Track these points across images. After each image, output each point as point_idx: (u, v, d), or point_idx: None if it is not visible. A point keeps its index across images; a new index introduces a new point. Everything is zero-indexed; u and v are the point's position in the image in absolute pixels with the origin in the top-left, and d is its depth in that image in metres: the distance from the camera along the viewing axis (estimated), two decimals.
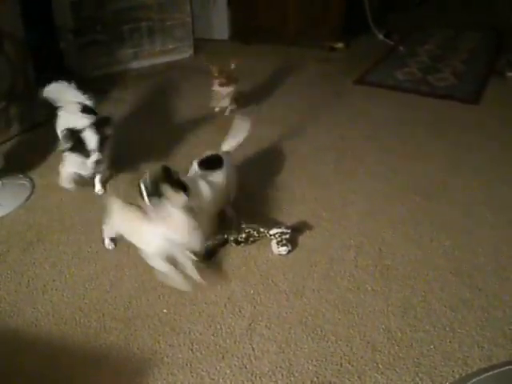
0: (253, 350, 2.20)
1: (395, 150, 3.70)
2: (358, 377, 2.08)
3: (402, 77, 5.08)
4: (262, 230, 2.73)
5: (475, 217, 3.00)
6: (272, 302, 2.43)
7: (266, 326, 2.31)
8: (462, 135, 3.93)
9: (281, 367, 2.12)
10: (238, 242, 2.74)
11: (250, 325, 2.31)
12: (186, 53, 5.70)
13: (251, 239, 2.74)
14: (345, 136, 3.91)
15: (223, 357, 2.17)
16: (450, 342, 2.21)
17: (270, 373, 2.10)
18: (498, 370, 1.35)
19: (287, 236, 2.70)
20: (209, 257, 2.67)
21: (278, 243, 2.68)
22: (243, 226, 2.76)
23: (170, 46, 5.61)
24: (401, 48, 5.93)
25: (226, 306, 2.42)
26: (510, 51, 5.42)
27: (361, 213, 3.02)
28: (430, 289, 2.49)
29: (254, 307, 2.40)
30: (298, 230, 2.83)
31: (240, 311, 2.39)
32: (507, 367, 1.36)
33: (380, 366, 2.12)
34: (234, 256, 2.71)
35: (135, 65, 5.36)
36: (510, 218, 2.98)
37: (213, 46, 5.92)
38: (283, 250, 2.67)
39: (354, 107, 4.42)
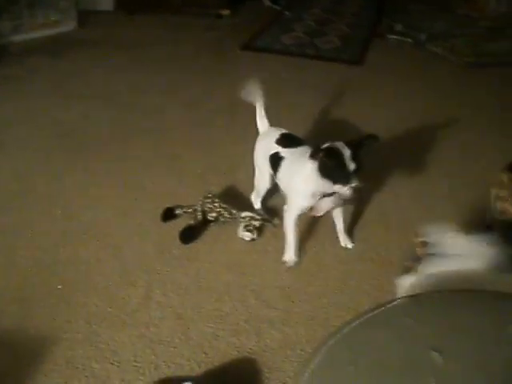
0: (150, 318, 2.21)
1: (281, 114, 3.75)
2: (255, 334, 2.15)
3: (289, 41, 5.15)
4: (233, 211, 2.66)
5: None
6: (167, 269, 2.45)
7: (162, 293, 2.33)
8: (348, 95, 4.05)
9: (179, 332, 2.15)
10: (206, 221, 2.66)
11: (146, 293, 2.32)
12: (70, 25, 5.49)
13: (222, 219, 2.67)
14: (234, 101, 3.92)
15: (121, 327, 2.17)
16: (341, 293, 2.31)
17: (169, 338, 2.12)
18: (380, 309, 1.43)
19: (256, 223, 2.62)
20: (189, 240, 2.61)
21: (244, 227, 2.60)
22: (216, 204, 2.67)
23: (53, 18, 5.38)
24: (287, 13, 5.99)
25: (120, 276, 2.41)
26: (390, 15, 5.63)
27: (251, 175, 3.05)
28: (322, 245, 2.59)
29: (149, 275, 2.41)
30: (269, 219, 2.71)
31: (136, 281, 2.38)
32: (390, 305, 1.45)
33: (276, 323, 2.20)
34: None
35: (16, 38, 5.10)
36: (395, 176, 3.12)
37: (97, 18, 5.75)
38: (246, 235, 2.59)
39: (243, 73, 4.42)
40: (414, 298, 1.49)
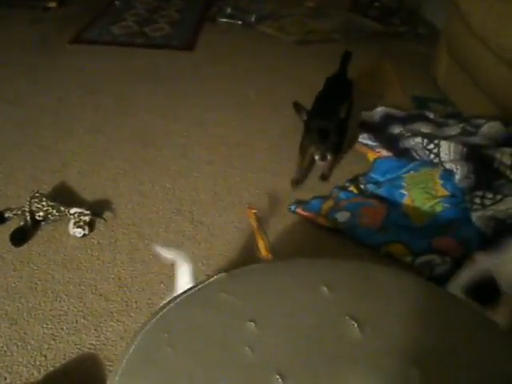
0: None
1: (111, 105, 3.72)
2: (95, 329, 2.12)
3: (118, 31, 5.05)
4: (62, 208, 2.56)
5: (193, 156, 3.17)
6: None
7: None
8: (178, 82, 4.06)
9: (15, 339, 2.08)
10: (36, 221, 2.56)
11: None
12: None
13: (51, 218, 2.57)
14: (62, 97, 3.83)
15: None
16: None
17: (5, 348, 2.04)
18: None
19: (86, 218, 2.54)
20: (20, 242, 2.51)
21: (74, 224, 2.53)
22: (43, 203, 2.57)
23: None
24: (117, 2, 5.88)
25: None
26: None
27: (82, 171, 3.00)
28: (155, 231, 2.59)
29: None
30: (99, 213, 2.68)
31: None
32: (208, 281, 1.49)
33: (115, 315, 2.18)
34: None
35: None
36: (224, 154, 3.20)
37: None
38: (77, 231, 2.51)
39: (71, 67, 4.31)
40: (230, 273, 1.53)
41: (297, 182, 2.97)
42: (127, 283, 2.32)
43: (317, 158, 2.74)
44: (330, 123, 2.70)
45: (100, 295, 2.27)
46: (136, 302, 2.23)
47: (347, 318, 1.32)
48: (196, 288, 1.47)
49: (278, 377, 1.17)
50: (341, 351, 1.26)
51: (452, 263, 2.45)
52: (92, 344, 2.07)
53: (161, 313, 1.40)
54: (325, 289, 1.41)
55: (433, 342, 1.30)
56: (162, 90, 3.91)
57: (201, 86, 4.00)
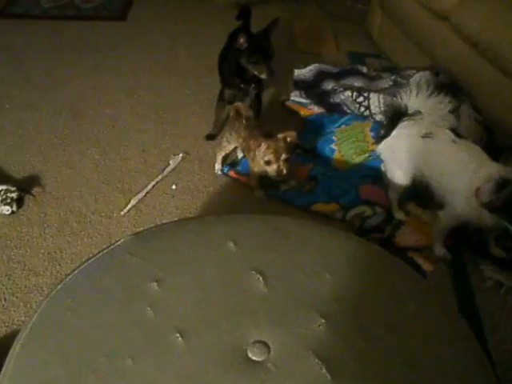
0: None
1: (41, 80, 3.62)
2: (24, 305, 2.10)
3: (47, 4, 4.87)
4: None
5: (123, 126, 3.14)
6: None
7: None
8: (109, 52, 3.97)
9: None
10: None
11: None
12: None
13: None
14: None
15: None
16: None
17: None
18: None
19: (14, 195, 2.48)
20: None
21: (1, 201, 2.46)
22: None
23: None
24: None
25: None
26: None
27: (10, 148, 2.93)
28: (84, 203, 2.57)
29: None
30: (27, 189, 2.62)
31: None
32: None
33: (44, 289, 2.16)
34: None
35: None
36: (155, 122, 3.16)
37: None
38: (5, 209, 2.45)
39: None
40: (138, 235, 1.52)
41: (211, 137, 3.01)
42: (57, 257, 2.29)
43: (263, 76, 2.67)
44: (267, 41, 2.68)
45: (29, 271, 2.24)
46: (66, 275, 2.20)
47: (253, 272, 1.32)
48: (103, 252, 1.46)
49: (178, 335, 1.17)
50: (245, 305, 1.27)
51: (384, 214, 2.47)
52: (21, 320, 2.05)
53: (66, 279, 1.39)
54: (231, 244, 1.41)
55: (340, 292, 1.31)
56: (94, 62, 3.81)
57: (133, 55, 3.92)
